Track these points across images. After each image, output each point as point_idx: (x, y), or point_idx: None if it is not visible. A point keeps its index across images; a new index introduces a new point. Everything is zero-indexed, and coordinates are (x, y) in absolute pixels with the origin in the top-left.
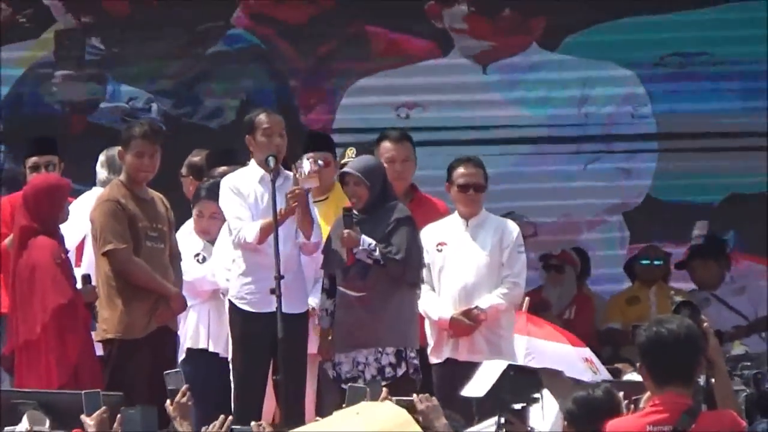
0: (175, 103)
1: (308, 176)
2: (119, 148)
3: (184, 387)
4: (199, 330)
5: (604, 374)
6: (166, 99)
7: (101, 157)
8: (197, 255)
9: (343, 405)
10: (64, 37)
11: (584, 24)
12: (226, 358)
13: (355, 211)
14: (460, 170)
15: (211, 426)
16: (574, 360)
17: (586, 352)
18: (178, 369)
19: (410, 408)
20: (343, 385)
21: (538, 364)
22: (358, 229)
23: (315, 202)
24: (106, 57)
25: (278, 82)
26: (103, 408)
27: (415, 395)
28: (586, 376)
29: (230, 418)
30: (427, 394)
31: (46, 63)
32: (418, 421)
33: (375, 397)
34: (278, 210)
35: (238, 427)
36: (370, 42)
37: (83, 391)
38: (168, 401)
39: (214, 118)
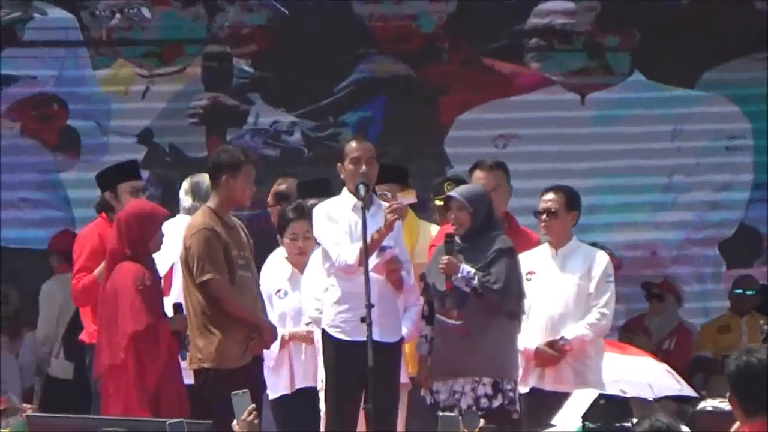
0: (318, 127)
1: (405, 193)
2: (204, 174)
3: (251, 406)
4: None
5: (686, 387)
6: (310, 122)
7: (185, 185)
8: (279, 291)
9: None
10: (211, 60)
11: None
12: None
13: (457, 239)
14: (542, 197)
15: None
16: (661, 371)
17: (666, 366)
18: (245, 390)
19: None
20: (439, 413)
21: (627, 380)
22: (460, 257)
23: None
24: (254, 80)
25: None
26: (252, 405)
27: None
28: (674, 387)
29: None
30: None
31: (192, 88)
32: None
33: (470, 428)
34: (377, 229)
35: None
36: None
37: (168, 421)
38: (234, 421)
39: None
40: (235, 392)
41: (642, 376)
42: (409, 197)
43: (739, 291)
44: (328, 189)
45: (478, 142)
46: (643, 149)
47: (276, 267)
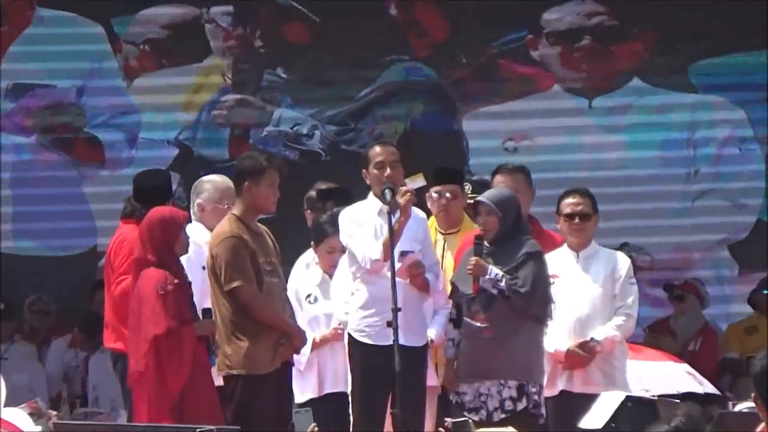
0: (339, 131)
1: (414, 177)
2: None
3: (313, 425)
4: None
5: (708, 386)
6: (331, 126)
7: (210, 185)
8: (309, 296)
9: None
10: (241, 63)
11: (687, 55)
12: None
13: (485, 242)
14: (567, 200)
15: None
16: (681, 374)
17: (686, 366)
18: (308, 408)
19: None
20: (466, 414)
21: (651, 388)
22: (490, 260)
23: (446, 234)
24: (281, 85)
25: (445, 113)
26: (314, 425)
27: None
28: (697, 387)
29: None
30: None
31: (223, 92)
32: None
33: None
34: (395, 221)
35: None
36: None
37: (197, 430)
38: None
39: None
40: (297, 410)
41: (662, 379)
42: (417, 181)
43: (767, 291)
44: (347, 196)
45: (489, 145)
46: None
47: (307, 271)
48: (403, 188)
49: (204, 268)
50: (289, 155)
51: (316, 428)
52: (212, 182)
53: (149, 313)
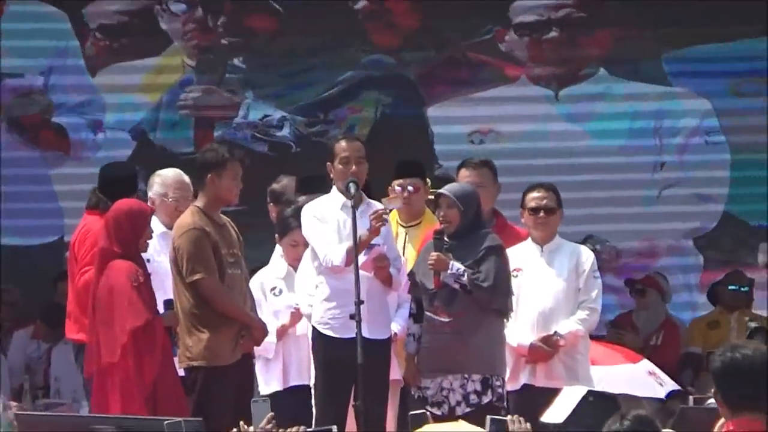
0: (308, 123)
1: (391, 198)
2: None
3: (269, 415)
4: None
5: (669, 384)
6: (300, 118)
7: (159, 179)
8: (274, 289)
9: None
10: (206, 55)
11: (653, 47)
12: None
13: (446, 237)
14: (532, 194)
15: (288, 430)
16: (641, 377)
17: (646, 365)
18: (266, 397)
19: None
20: (429, 408)
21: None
22: (450, 255)
23: (407, 227)
24: (246, 75)
25: (413, 104)
26: (271, 414)
27: (509, 416)
28: (657, 391)
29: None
30: (521, 417)
31: (185, 81)
32: None
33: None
34: (362, 233)
35: None
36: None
37: (165, 422)
38: (246, 426)
39: None
40: (255, 399)
41: (620, 384)
42: (394, 202)
43: (734, 287)
44: (322, 185)
45: (455, 138)
46: (625, 144)
47: (272, 264)
48: (379, 210)
49: (149, 260)
50: (259, 147)
51: (272, 417)
52: (161, 176)
53: (126, 304)
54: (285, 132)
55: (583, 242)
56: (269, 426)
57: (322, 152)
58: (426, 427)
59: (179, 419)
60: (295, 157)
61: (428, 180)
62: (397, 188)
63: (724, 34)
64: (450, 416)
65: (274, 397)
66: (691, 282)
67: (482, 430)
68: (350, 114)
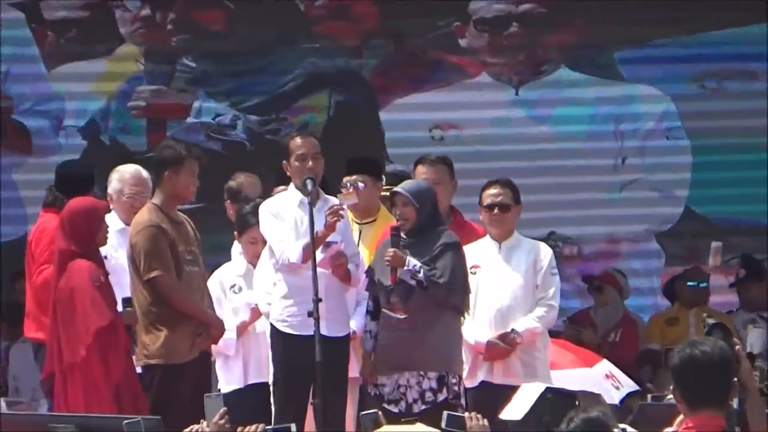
0: (261, 121)
1: (347, 193)
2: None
3: (223, 410)
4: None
5: (628, 385)
6: (253, 116)
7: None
8: (233, 286)
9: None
10: (155, 54)
11: (615, 44)
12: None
13: (402, 234)
14: (488, 191)
15: (246, 429)
16: (598, 381)
17: (605, 367)
18: (219, 393)
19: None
20: (386, 406)
21: None
22: (407, 251)
23: (362, 224)
24: (197, 74)
25: (367, 101)
26: (224, 409)
27: (467, 413)
28: (612, 396)
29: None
30: (478, 414)
31: (135, 79)
32: None
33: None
34: (319, 229)
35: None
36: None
37: (124, 421)
38: (205, 423)
39: None
40: (208, 394)
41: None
42: (350, 198)
43: (693, 283)
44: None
45: (414, 134)
46: (585, 146)
47: (231, 261)
48: (335, 206)
49: (107, 257)
50: (213, 146)
51: (225, 413)
52: (119, 172)
53: (89, 304)
54: (238, 131)
55: (546, 240)
56: (222, 421)
57: (276, 150)
58: (384, 428)
59: (138, 418)
60: (249, 156)
61: (383, 177)
62: (348, 185)
63: (687, 29)
64: (407, 414)
65: (234, 394)
66: (653, 283)
67: (437, 431)
68: (303, 112)
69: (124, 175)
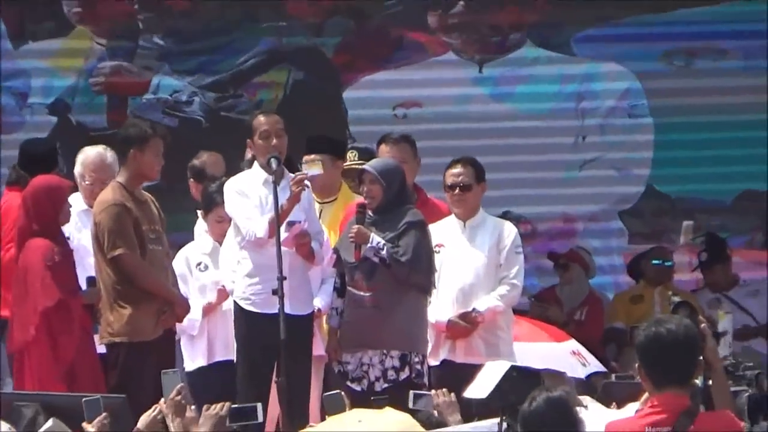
0: (218, 98)
1: (311, 164)
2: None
3: (179, 386)
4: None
5: (594, 365)
6: (211, 93)
7: (81, 158)
8: (199, 264)
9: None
10: (117, 31)
11: (580, 21)
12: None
13: (369, 212)
14: (450, 171)
15: (212, 408)
16: (563, 357)
17: (572, 344)
18: (176, 369)
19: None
20: (349, 383)
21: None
22: (372, 229)
23: (323, 203)
24: (157, 51)
25: (327, 79)
26: (104, 414)
27: (434, 390)
28: (578, 371)
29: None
30: (445, 390)
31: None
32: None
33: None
34: (284, 201)
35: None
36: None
37: (83, 399)
38: (162, 399)
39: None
40: (165, 371)
41: (543, 363)
42: (314, 168)
43: (658, 262)
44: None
45: (377, 113)
46: (546, 124)
47: (197, 239)
48: (299, 176)
49: (69, 238)
50: (170, 123)
51: (182, 389)
52: (83, 155)
53: (38, 284)
54: (195, 108)
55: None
56: (178, 397)
57: (231, 127)
58: (354, 412)
59: (97, 396)
60: (204, 133)
61: (354, 152)
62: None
63: (652, 6)
64: (369, 392)
65: (199, 372)
66: (615, 261)
67: (407, 415)
68: (260, 89)
69: (86, 159)
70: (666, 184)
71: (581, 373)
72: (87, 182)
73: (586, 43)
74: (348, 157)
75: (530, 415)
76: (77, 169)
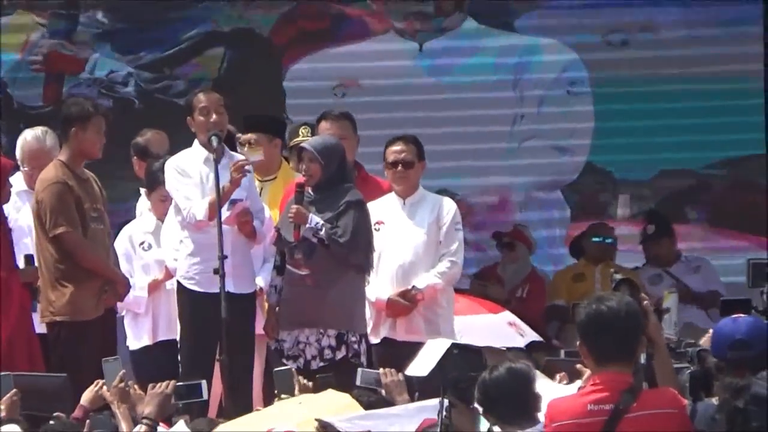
0: (153, 79)
1: (252, 149)
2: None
3: (122, 373)
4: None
5: (530, 335)
6: (146, 73)
7: (20, 142)
8: (142, 243)
9: (275, 391)
10: (57, 8)
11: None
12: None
13: (308, 190)
14: (391, 148)
15: (157, 386)
16: (501, 327)
17: (508, 315)
18: (116, 356)
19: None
20: (285, 361)
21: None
22: (312, 208)
23: (263, 181)
24: (95, 30)
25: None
26: (14, 391)
27: (381, 369)
28: (516, 341)
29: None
30: (393, 369)
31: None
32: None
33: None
34: (224, 184)
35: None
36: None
37: (9, 374)
38: (104, 387)
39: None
40: (106, 359)
41: (480, 334)
42: (256, 154)
43: (598, 239)
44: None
45: (317, 92)
46: (485, 97)
47: (140, 218)
48: (240, 161)
49: (7, 217)
50: (105, 103)
51: (125, 376)
52: (21, 140)
53: None
54: (129, 88)
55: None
56: (122, 384)
57: (164, 108)
58: (299, 396)
59: (8, 374)
60: (137, 113)
61: (307, 130)
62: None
63: None
64: (305, 370)
65: (143, 351)
66: (554, 230)
67: (348, 396)
68: (194, 70)
69: (24, 146)
70: (605, 158)
71: (520, 342)
72: (26, 169)
73: (524, 16)
74: (301, 133)
75: (490, 382)
76: (17, 153)
